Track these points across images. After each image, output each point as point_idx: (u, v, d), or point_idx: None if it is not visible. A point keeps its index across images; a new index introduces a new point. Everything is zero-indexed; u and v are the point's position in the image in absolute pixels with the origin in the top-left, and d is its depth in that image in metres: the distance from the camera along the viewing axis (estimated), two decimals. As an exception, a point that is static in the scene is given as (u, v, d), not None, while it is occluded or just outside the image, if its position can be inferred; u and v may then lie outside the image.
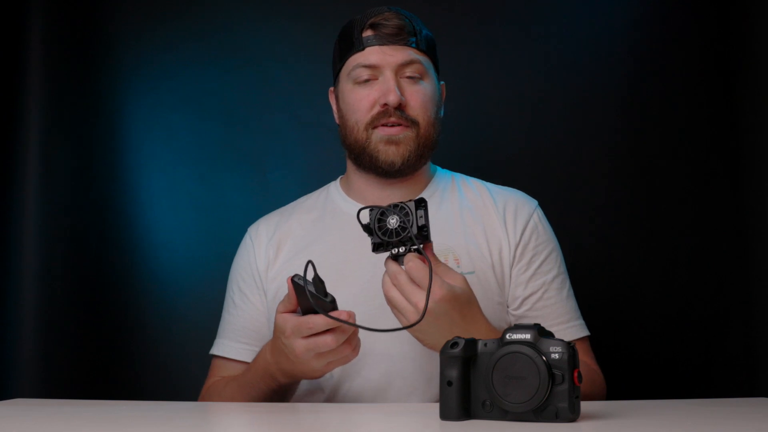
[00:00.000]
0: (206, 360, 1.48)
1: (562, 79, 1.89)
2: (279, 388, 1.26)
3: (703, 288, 1.83)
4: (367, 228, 1.15)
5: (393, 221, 1.13)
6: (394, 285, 1.13)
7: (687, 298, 1.83)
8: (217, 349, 1.45)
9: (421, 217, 1.12)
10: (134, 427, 1.02)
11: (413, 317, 1.11)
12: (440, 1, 1.90)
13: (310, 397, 1.36)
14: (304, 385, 1.35)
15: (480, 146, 1.89)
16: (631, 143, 1.87)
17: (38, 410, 1.21)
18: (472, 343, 0.97)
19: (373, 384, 1.33)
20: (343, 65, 1.42)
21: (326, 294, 1.10)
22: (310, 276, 1.09)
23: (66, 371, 1.80)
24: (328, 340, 1.11)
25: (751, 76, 1.75)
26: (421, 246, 1.13)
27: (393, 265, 1.14)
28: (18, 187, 1.80)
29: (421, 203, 1.13)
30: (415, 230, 1.11)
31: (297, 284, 1.10)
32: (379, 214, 1.14)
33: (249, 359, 1.40)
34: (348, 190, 1.48)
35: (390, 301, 1.14)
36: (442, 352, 0.97)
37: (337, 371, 1.33)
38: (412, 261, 1.12)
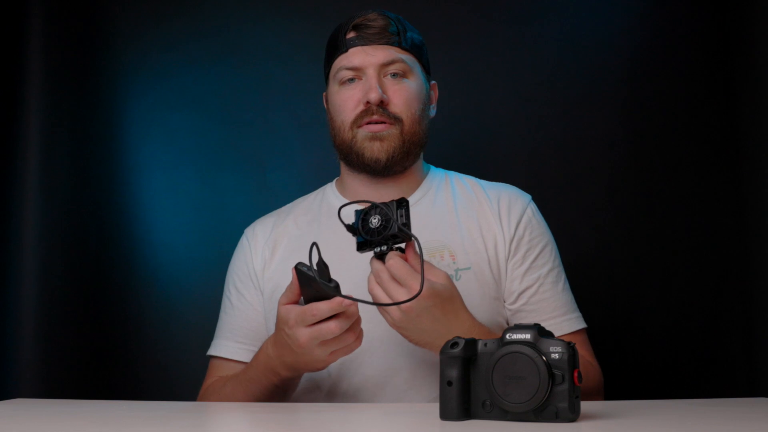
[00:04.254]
0: (206, 360, 1.48)
1: (561, 78, 1.89)
2: (281, 383, 1.26)
3: (703, 288, 1.83)
4: (350, 228, 1.18)
5: (375, 221, 1.17)
6: (378, 283, 1.16)
7: (687, 297, 1.83)
8: (214, 350, 1.45)
9: (402, 216, 1.15)
10: (134, 427, 1.02)
11: (395, 314, 1.16)
12: (439, 0, 1.90)
13: (308, 395, 1.36)
14: (302, 383, 1.35)
15: (478, 146, 1.89)
16: (631, 143, 1.87)
17: (38, 410, 1.21)
18: (472, 343, 0.98)
19: (372, 381, 1.33)
20: (330, 68, 1.45)
21: (330, 279, 1.12)
22: (314, 259, 1.11)
23: (66, 371, 1.79)
24: (332, 326, 1.12)
25: (751, 76, 1.75)
26: (404, 244, 1.18)
27: (376, 264, 1.17)
28: (18, 187, 1.80)
29: (402, 203, 1.16)
30: (395, 229, 1.15)
31: (301, 272, 1.12)
32: (363, 214, 1.17)
33: (247, 359, 1.40)
34: (343, 190, 1.50)
35: (374, 299, 1.17)
36: (442, 352, 0.97)
37: (334, 368, 1.33)
38: (392, 259, 1.16)
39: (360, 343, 1.17)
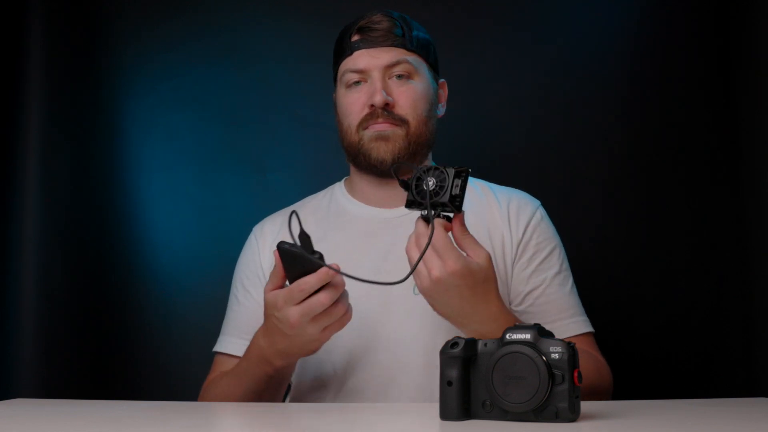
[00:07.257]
0: (206, 360, 1.48)
1: (562, 79, 1.89)
2: (275, 373, 1.25)
3: (703, 288, 1.83)
4: (403, 183, 1.15)
5: (430, 183, 1.13)
6: (417, 246, 1.14)
7: (687, 298, 1.83)
8: (219, 346, 1.45)
9: (457, 186, 1.12)
10: (134, 427, 1.02)
11: (425, 282, 1.13)
12: (440, 0, 1.90)
13: (314, 393, 1.36)
14: (309, 382, 1.35)
15: (480, 146, 1.89)
16: (631, 144, 1.87)
17: (38, 410, 1.21)
18: (472, 343, 0.98)
19: (378, 381, 1.33)
20: (337, 71, 1.45)
21: (313, 251, 1.09)
22: (295, 231, 1.08)
23: (66, 371, 1.79)
24: (321, 298, 1.11)
25: (751, 76, 1.75)
26: (453, 214, 1.13)
27: (421, 227, 1.14)
28: (18, 187, 1.80)
29: (461, 173, 1.13)
30: (447, 197, 1.11)
31: (284, 250, 1.09)
32: (420, 172, 1.14)
33: None
34: (352, 191, 1.49)
35: (410, 261, 1.14)
36: (442, 352, 0.97)
37: (341, 367, 1.33)
38: (436, 228, 1.12)
39: (350, 317, 1.15)
